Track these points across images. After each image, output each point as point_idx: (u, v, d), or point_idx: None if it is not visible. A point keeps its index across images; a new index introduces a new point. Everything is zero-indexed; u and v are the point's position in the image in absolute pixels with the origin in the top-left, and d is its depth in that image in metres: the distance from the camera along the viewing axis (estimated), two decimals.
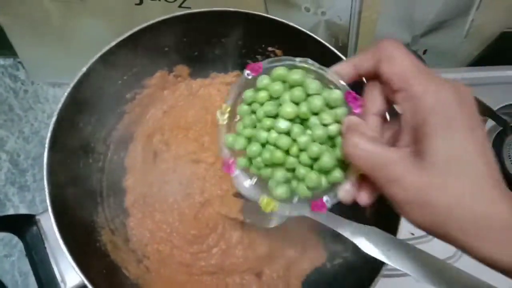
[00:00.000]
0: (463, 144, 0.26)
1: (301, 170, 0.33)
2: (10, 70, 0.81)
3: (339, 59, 0.56)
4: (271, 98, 0.34)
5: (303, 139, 0.32)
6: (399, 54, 0.29)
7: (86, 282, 0.41)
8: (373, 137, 0.30)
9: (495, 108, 0.74)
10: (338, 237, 0.58)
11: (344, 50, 0.79)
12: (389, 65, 0.29)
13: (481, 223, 0.25)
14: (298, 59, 0.37)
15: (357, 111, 0.33)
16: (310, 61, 0.37)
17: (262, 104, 0.34)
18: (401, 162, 0.27)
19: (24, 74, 0.81)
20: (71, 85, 0.48)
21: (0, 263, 0.67)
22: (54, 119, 0.47)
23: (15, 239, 0.45)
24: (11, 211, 0.71)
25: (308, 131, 0.33)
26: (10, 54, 0.79)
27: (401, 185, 0.26)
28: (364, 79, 0.34)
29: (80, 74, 0.49)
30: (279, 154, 0.33)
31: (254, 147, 0.34)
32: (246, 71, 0.36)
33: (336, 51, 0.55)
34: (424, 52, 0.84)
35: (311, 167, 0.33)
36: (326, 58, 0.56)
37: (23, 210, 0.71)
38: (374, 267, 0.47)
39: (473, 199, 0.25)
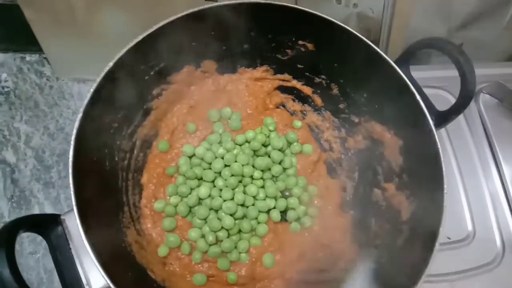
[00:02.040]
0: None
1: None
2: (35, 66, 0.81)
3: (374, 53, 0.53)
4: None
5: None
6: None
7: (111, 285, 0.40)
8: None
9: None
10: (371, 241, 0.56)
11: (375, 44, 0.76)
12: None
13: None
14: None
15: None
16: None
17: None
18: None
19: (49, 70, 0.81)
20: (97, 80, 0.47)
21: (26, 260, 0.68)
22: (79, 115, 0.45)
23: (40, 236, 0.44)
24: (36, 208, 0.71)
25: None
26: (36, 50, 0.79)
27: None
28: None
29: (106, 69, 0.48)
30: None
31: None
32: None
33: (372, 44, 0.53)
34: (460, 45, 0.80)
35: None
36: (360, 52, 0.54)
37: (48, 207, 0.71)
38: (414, 272, 0.44)
39: None
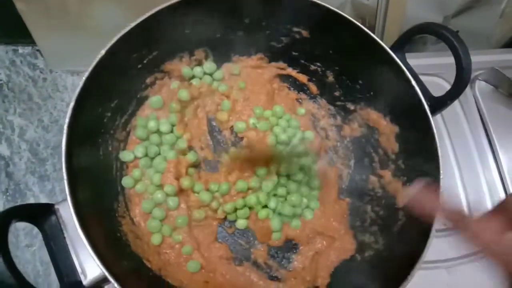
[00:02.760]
0: None
1: None
2: (28, 58, 0.80)
3: (370, 39, 0.53)
4: None
5: None
6: None
7: (107, 274, 0.40)
8: None
9: None
10: (367, 229, 0.56)
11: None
12: None
13: None
14: None
15: None
16: None
17: None
18: None
19: (42, 63, 0.80)
20: (89, 69, 0.46)
21: (22, 253, 0.67)
22: (72, 104, 0.45)
23: (36, 228, 0.44)
24: (31, 201, 0.70)
25: None
26: (29, 42, 0.78)
27: None
28: None
29: (98, 57, 0.47)
30: None
31: None
32: None
33: (367, 30, 0.52)
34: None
35: None
36: (356, 39, 0.54)
37: (43, 200, 0.71)
38: (410, 259, 0.44)
39: None
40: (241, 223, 0.57)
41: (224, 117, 0.62)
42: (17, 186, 0.71)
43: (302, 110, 0.66)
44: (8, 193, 0.70)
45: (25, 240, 0.68)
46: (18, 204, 0.68)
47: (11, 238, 0.67)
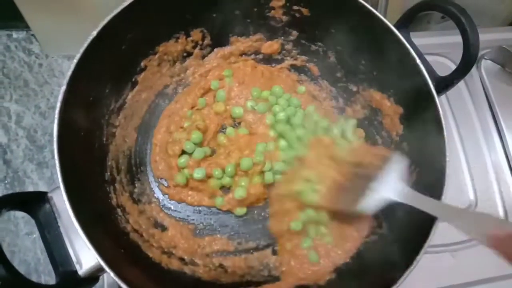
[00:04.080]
0: None
1: None
2: (23, 43, 0.78)
3: (373, 16, 0.51)
4: None
5: None
6: None
7: (102, 263, 0.39)
8: None
9: None
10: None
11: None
12: None
13: None
14: None
15: None
16: None
17: None
18: None
19: (38, 47, 0.78)
20: (81, 51, 0.45)
21: (22, 241, 0.67)
22: (63, 88, 0.43)
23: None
24: (30, 189, 0.70)
25: None
26: (23, 27, 0.76)
27: None
28: None
29: (89, 39, 0.45)
30: None
31: None
32: None
33: (370, 7, 0.50)
34: None
35: None
36: (358, 16, 0.52)
37: (42, 187, 0.70)
38: (416, 243, 0.43)
39: None
40: None
41: (220, 108, 0.60)
42: (15, 174, 0.70)
43: (302, 88, 0.64)
44: (6, 181, 0.70)
45: (25, 228, 0.67)
46: (16, 191, 0.69)
47: (10, 226, 0.68)
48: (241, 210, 0.57)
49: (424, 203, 0.44)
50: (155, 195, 0.58)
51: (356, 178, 0.51)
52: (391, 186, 0.47)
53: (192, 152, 0.57)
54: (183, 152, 0.58)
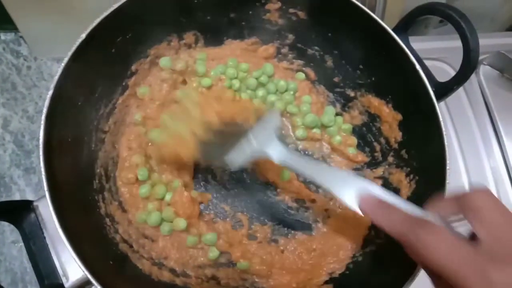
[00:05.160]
0: None
1: None
2: (11, 45, 0.77)
3: (371, 20, 0.50)
4: None
5: None
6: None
7: (89, 276, 0.37)
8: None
9: None
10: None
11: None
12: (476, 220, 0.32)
13: None
14: None
15: None
16: None
17: None
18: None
19: (26, 50, 0.76)
20: (69, 54, 0.43)
21: (8, 250, 0.65)
22: (50, 92, 0.41)
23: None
24: (17, 195, 0.68)
25: None
26: (11, 28, 0.75)
27: None
28: None
29: (78, 42, 0.44)
30: None
31: None
32: None
33: (369, 11, 0.49)
34: None
35: None
36: (356, 20, 0.51)
37: (29, 194, 0.68)
38: None
39: None
40: None
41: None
42: (1, 180, 0.68)
43: (302, 75, 0.62)
44: None
45: (11, 236, 0.65)
46: (2, 198, 0.67)
47: None
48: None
49: (296, 163, 0.44)
50: None
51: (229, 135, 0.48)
52: (263, 140, 0.46)
53: None
54: None
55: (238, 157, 0.46)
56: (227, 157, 0.46)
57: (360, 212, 0.38)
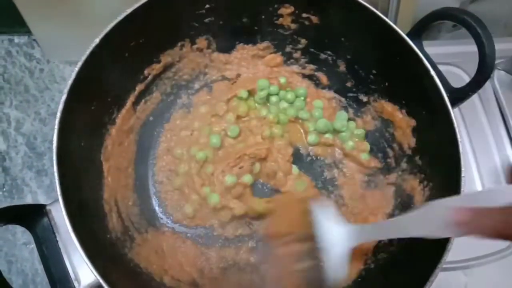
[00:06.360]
0: None
1: None
2: (25, 48, 0.77)
3: (385, 25, 0.49)
4: None
5: None
6: None
7: (101, 281, 0.37)
8: None
9: None
10: None
11: None
12: None
13: None
14: None
15: None
16: None
17: None
18: None
19: (39, 53, 0.77)
20: (83, 58, 0.43)
21: (19, 251, 0.65)
22: (64, 97, 0.41)
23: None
24: (29, 197, 0.68)
25: None
26: (24, 32, 0.75)
27: None
28: None
29: (92, 46, 0.44)
30: None
31: None
32: None
33: (382, 16, 0.49)
34: None
35: None
36: (369, 25, 0.51)
37: (41, 196, 0.69)
38: (429, 260, 0.42)
39: None
40: None
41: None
42: (13, 182, 0.69)
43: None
44: (4, 189, 0.69)
45: (23, 238, 0.66)
46: (15, 200, 0.68)
47: (7, 236, 0.66)
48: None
49: (374, 233, 0.43)
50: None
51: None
52: (338, 238, 0.43)
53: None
54: None
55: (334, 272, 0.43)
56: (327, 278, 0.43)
57: (454, 235, 0.36)
